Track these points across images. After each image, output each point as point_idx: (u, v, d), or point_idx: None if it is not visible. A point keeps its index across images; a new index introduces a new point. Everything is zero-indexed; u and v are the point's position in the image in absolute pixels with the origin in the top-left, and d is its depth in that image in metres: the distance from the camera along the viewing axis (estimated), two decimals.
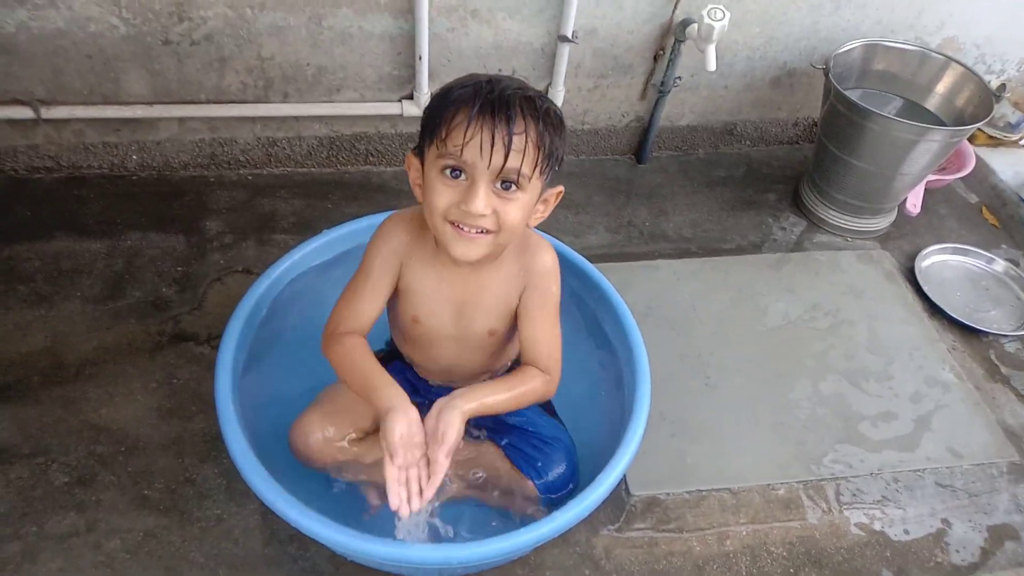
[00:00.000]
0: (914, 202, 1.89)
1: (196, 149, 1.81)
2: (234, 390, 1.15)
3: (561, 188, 1.04)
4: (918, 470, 1.43)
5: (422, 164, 0.97)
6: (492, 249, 0.99)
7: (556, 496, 1.15)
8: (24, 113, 1.63)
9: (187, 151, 1.81)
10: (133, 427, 1.35)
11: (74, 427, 1.34)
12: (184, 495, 1.27)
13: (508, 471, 1.17)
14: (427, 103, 0.97)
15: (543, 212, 1.04)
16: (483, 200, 0.91)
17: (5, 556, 1.17)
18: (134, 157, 1.79)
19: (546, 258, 1.10)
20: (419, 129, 0.97)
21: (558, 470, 1.15)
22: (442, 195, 0.93)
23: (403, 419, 0.94)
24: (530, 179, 0.92)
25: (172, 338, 1.50)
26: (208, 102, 1.71)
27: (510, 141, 0.87)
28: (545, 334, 1.11)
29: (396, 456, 0.93)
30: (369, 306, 1.09)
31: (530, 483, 1.15)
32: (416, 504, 0.94)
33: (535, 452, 1.17)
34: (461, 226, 0.94)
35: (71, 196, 1.76)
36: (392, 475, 0.93)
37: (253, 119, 1.77)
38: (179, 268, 1.64)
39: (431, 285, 1.09)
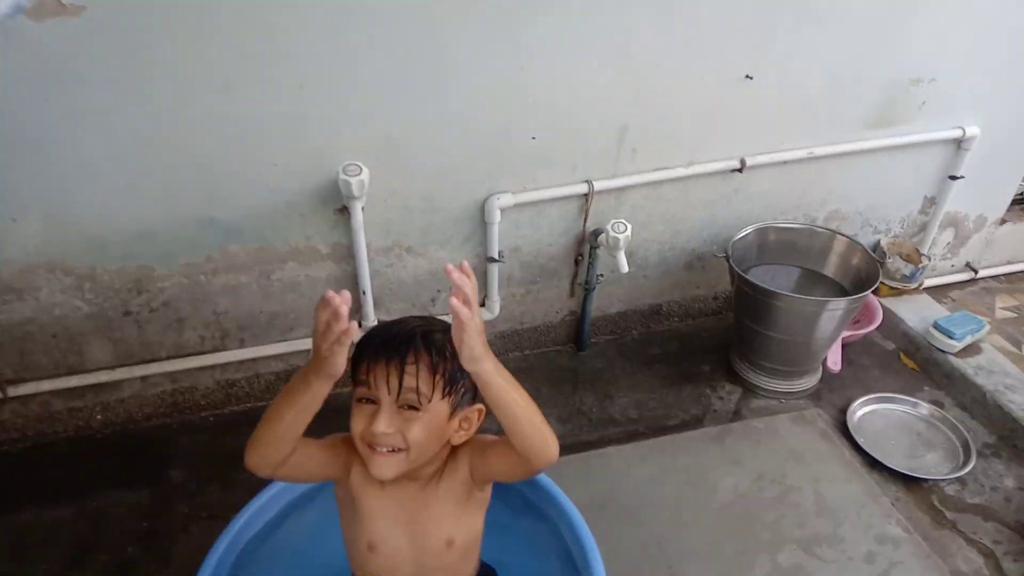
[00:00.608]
0: (834, 359, 2.04)
1: (158, 400, 1.90)
2: None
3: (482, 407, 1.12)
4: None
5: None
6: (406, 466, 1.08)
7: None
8: None
9: (150, 403, 1.90)
10: None
11: None
12: None
13: None
14: (355, 341, 1.09)
15: (467, 430, 1.13)
16: (385, 420, 1.03)
17: None
18: (99, 417, 1.87)
19: (467, 445, 1.16)
20: None
21: None
22: (358, 421, 1.07)
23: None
24: (430, 399, 1.05)
25: None
26: (168, 358, 1.82)
27: (403, 369, 1.03)
28: (506, 445, 1.10)
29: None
30: (308, 449, 1.13)
31: None
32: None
33: None
34: (374, 446, 1.06)
35: (36, 464, 1.81)
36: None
37: (212, 366, 1.88)
38: (144, 523, 1.67)
39: (380, 503, 1.16)
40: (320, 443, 1.17)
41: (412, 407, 1.05)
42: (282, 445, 1.07)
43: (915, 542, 1.63)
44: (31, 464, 1.81)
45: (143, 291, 1.70)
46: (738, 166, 1.98)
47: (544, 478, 1.44)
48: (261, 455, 1.07)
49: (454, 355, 1.04)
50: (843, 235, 2.03)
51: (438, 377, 1.05)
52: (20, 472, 1.79)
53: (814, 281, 2.06)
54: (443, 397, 1.06)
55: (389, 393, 1.03)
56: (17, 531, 1.64)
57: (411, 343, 1.04)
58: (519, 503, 1.48)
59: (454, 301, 0.94)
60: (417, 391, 1.03)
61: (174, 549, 1.61)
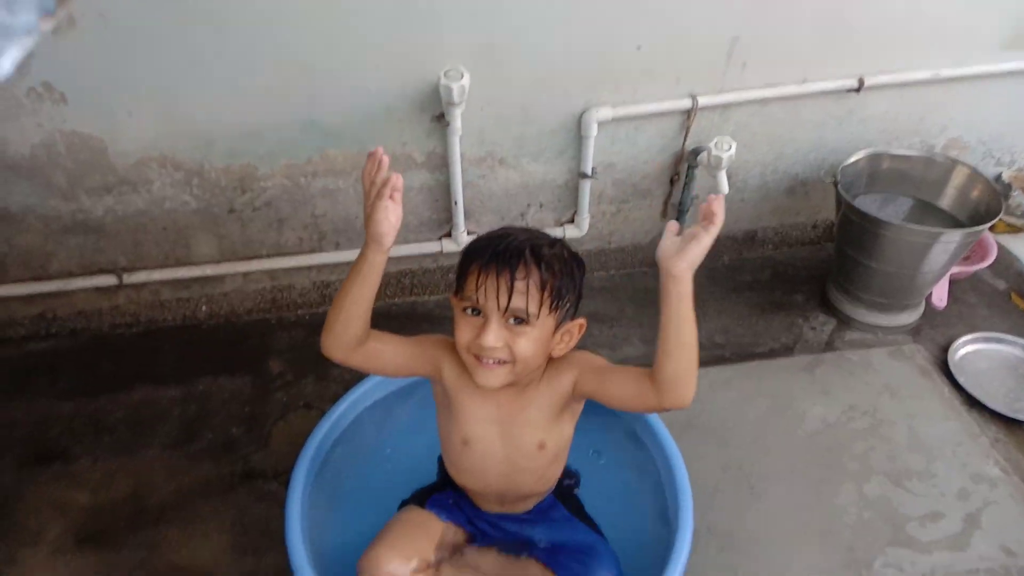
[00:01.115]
0: (940, 296, 1.95)
1: (258, 296, 1.99)
2: (303, 529, 1.25)
3: (583, 321, 1.15)
4: (972, 570, 1.43)
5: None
6: (512, 378, 1.11)
7: None
8: (109, 281, 1.83)
9: (250, 299, 1.99)
10: (211, 566, 1.45)
11: (159, 569, 1.45)
12: None
13: None
14: (462, 249, 1.13)
15: (567, 343, 1.16)
16: (494, 334, 1.05)
17: None
18: (203, 308, 1.98)
19: (581, 354, 1.20)
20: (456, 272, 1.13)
21: None
22: (464, 331, 1.09)
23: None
24: (538, 315, 1.06)
25: (242, 477, 1.62)
26: (269, 256, 1.90)
27: (512, 284, 1.03)
28: (626, 375, 1.14)
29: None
30: (394, 343, 1.20)
31: None
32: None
33: (580, 567, 1.23)
34: (480, 358, 1.08)
35: (148, 348, 1.94)
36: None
37: (309, 267, 1.95)
38: (246, 408, 1.77)
39: (476, 403, 1.20)
40: (404, 339, 1.21)
41: (520, 321, 1.06)
42: (350, 326, 1.10)
43: (1014, 483, 1.57)
44: (143, 348, 1.94)
45: (247, 190, 1.76)
46: (855, 86, 1.85)
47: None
48: (332, 337, 1.11)
49: (562, 270, 1.06)
50: (965, 164, 1.89)
51: (547, 293, 1.05)
52: (133, 355, 1.92)
53: (927, 213, 1.94)
54: (550, 312, 1.07)
55: (498, 308, 1.04)
56: (132, 407, 1.77)
57: (521, 257, 1.04)
58: (608, 415, 1.49)
59: (715, 204, 0.99)
60: (526, 308, 1.04)
61: (273, 432, 1.71)
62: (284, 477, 1.60)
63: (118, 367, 1.88)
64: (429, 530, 1.28)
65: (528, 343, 1.07)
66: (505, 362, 1.08)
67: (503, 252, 1.04)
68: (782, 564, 1.44)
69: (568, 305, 1.10)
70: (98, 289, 1.86)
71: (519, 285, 1.03)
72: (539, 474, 1.27)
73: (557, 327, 1.11)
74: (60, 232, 1.74)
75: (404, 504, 1.37)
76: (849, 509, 1.53)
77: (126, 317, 1.96)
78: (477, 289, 1.04)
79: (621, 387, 1.13)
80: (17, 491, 1.59)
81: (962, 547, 1.47)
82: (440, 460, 1.40)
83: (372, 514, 1.40)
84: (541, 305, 1.05)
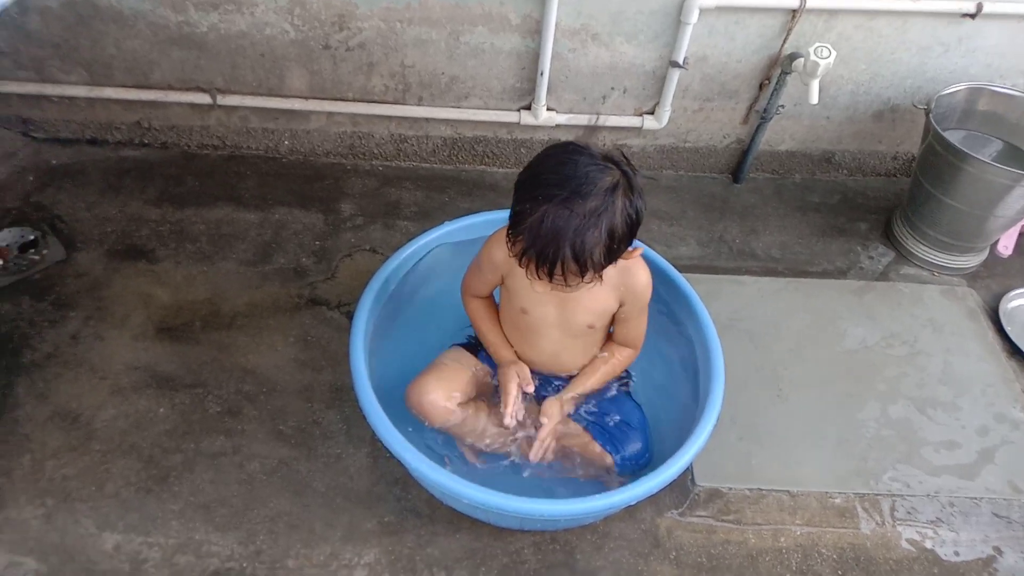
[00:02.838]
0: (1007, 244, 1.93)
1: (338, 140, 2.06)
2: (365, 350, 1.36)
3: (640, 248, 1.21)
4: (975, 498, 1.50)
5: None
6: None
7: (630, 470, 1.32)
8: (203, 99, 1.92)
9: (331, 141, 2.06)
10: (273, 373, 1.60)
11: (226, 367, 1.60)
12: (311, 434, 1.50)
13: (590, 445, 1.34)
14: (533, 159, 1.13)
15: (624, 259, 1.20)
16: (540, 286, 1.14)
17: (169, 464, 1.43)
18: (286, 142, 2.06)
19: (643, 278, 1.28)
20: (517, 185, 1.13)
21: (634, 447, 1.32)
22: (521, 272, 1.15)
23: (515, 367, 1.36)
24: (580, 283, 1.11)
25: (308, 302, 1.74)
26: (354, 100, 1.95)
27: (551, 278, 1.08)
28: (640, 326, 1.36)
29: (511, 389, 1.32)
30: (485, 287, 1.39)
31: (609, 457, 1.31)
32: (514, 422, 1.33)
33: (615, 431, 1.34)
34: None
35: (232, 172, 2.05)
36: (511, 396, 1.32)
37: (390, 118, 2.00)
38: (317, 242, 1.88)
39: (534, 292, 1.27)
40: (484, 280, 1.37)
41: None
42: None
43: None
44: (227, 171, 2.05)
45: (344, 27, 1.79)
46: (972, 11, 1.77)
47: (687, 288, 1.50)
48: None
49: (605, 247, 1.07)
50: None
51: (589, 276, 1.10)
52: (217, 176, 2.03)
53: (1014, 159, 1.89)
54: (594, 275, 1.12)
55: (539, 279, 1.10)
56: (214, 223, 1.90)
57: (559, 256, 1.04)
58: (660, 304, 1.56)
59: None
60: (566, 286, 1.11)
61: (340, 268, 1.83)
62: (346, 308, 1.73)
63: (203, 184, 2.00)
64: (474, 371, 1.39)
65: (573, 290, 1.15)
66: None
67: (542, 248, 1.04)
68: (794, 460, 1.53)
69: (617, 257, 1.13)
70: (192, 106, 1.95)
71: (557, 279, 1.08)
72: (587, 348, 1.38)
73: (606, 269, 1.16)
74: (166, 42, 1.81)
75: (453, 347, 1.48)
76: (869, 424, 1.61)
77: (214, 139, 2.05)
78: (527, 268, 1.09)
79: (617, 329, 1.38)
80: (107, 279, 1.74)
81: (970, 476, 1.54)
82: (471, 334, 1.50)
83: (423, 352, 1.52)
84: (584, 281, 1.10)
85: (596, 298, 1.27)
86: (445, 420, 1.32)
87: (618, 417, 1.36)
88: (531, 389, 1.34)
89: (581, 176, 1.04)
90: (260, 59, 1.85)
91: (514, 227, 1.09)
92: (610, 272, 1.18)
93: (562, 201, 1.03)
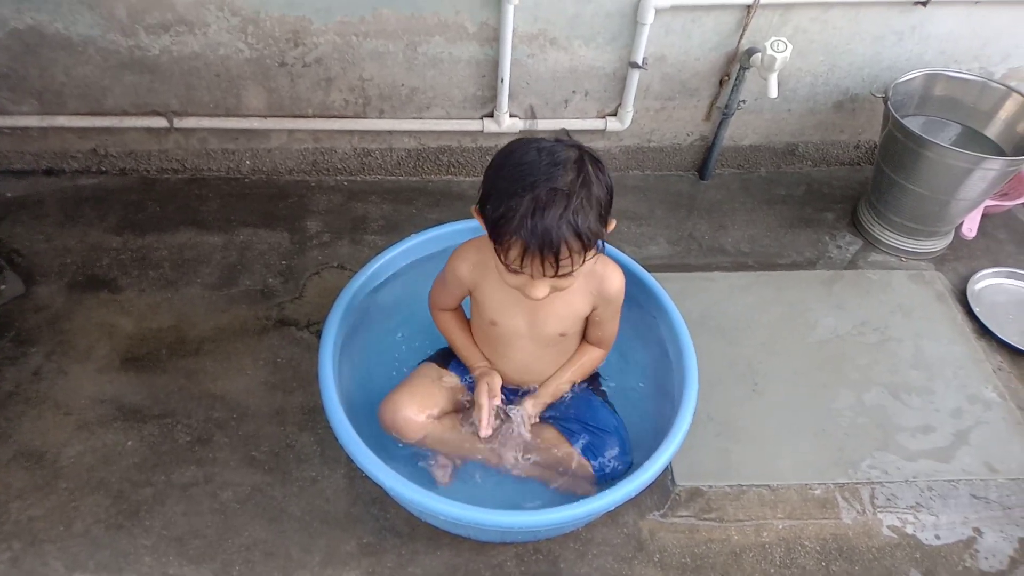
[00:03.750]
0: (970, 226, 1.95)
1: (301, 157, 2.04)
2: (334, 369, 1.34)
3: (614, 223, 1.17)
4: (953, 480, 1.51)
5: (483, 218, 1.12)
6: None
7: (610, 475, 1.31)
8: (160, 123, 1.89)
9: (293, 158, 2.04)
10: (243, 398, 1.57)
11: (195, 394, 1.57)
12: (285, 458, 1.47)
13: (568, 453, 1.32)
14: (489, 169, 1.11)
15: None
16: (542, 290, 1.12)
17: (140, 498, 1.40)
18: (247, 162, 2.04)
19: (616, 282, 1.28)
20: (481, 185, 1.12)
21: (612, 452, 1.31)
22: (509, 278, 1.13)
23: (486, 379, 1.34)
24: (581, 266, 1.10)
25: (277, 323, 1.72)
26: (314, 116, 1.93)
27: (558, 265, 1.05)
28: (612, 329, 1.38)
29: (483, 402, 1.30)
30: (450, 301, 1.38)
31: (588, 463, 1.30)
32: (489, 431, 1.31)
33: (592, 438, 1.33)
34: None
35: (193, 195, 2.02)
36: (484, 409, 1.30)
37: (352, 132, 1.98)
38: (283, 262, 1.86)
39: (505, 298, 1.27)
40: (451, 294, 1.37)
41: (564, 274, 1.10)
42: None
43: (1008, 409, 1.63)
44: (188, 194, 2.02)
45: (299, 43, 1.77)
46: None
47: (658, 288, 1.50)
48: None
49: (596, 215, 1.06)
50: (1020, 94, 1.85)
51: (589, 254, 1.08)
52: (178, 199, 2.00)
53: (973, 141, 1.92)
54: (593, 252, 1.11)
55: (544, 275, 1.08)
56: (177, 248, 1.86)
57: (562, 237, 1.02)
58: (631, 305, 1.55)
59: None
60: (571, 271, 1.09)
61: (307, 286, 1.80)
62: (316, 327, 1.70)
63: (164, 209, 1.97)
64: (446, 386, 1.38)
65: (572, 281, 1.13)
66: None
67: (544, 236, 1.02)
68: (772, 454, 1.53)
69: (606, 227, 1.12)
70: (149, 130, 1.92)
71: (564, 263, 1.06)
72: (558, 358, 1.38)
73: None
74: (117, 67, 1.78)
75: (424, 362, 1.46)
76: (845, 413, 1.61)
77: (173, 163, 2.02)
78: (522, 264, 1.06)
79: (590, 331, 1.38)
80: (68, 312, 1.70)
81: (947, 459, 1.55)
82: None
83: (394, 368, 1.50)
84: (584, 258, 1.09)
85: (568, 303, 1.27)
86: (420, 435, 1.31)
87: (593, 424, 1.34)
88: (497, 401, 1.32)
89: (546, 161, 1.05)
90: (216, 79, 1.83)
91: (501, 235, 1.06)
92: (582, 277, 1.18)
93: (541, 188, 1.03)
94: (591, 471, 1.30)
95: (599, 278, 1.26)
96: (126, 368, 1.61)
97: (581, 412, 1.37)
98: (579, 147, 1.09)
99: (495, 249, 1.09)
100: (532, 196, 1.02)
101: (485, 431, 1.29)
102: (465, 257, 1.29)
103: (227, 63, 1.80)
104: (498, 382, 1.34)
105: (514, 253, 1.05)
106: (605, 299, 1.29)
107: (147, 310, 1.72)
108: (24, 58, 1.75)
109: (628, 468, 1.32)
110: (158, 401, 1.55)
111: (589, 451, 1.31)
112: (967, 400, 1.65)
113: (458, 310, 1.43)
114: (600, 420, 1.36)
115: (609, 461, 1.30)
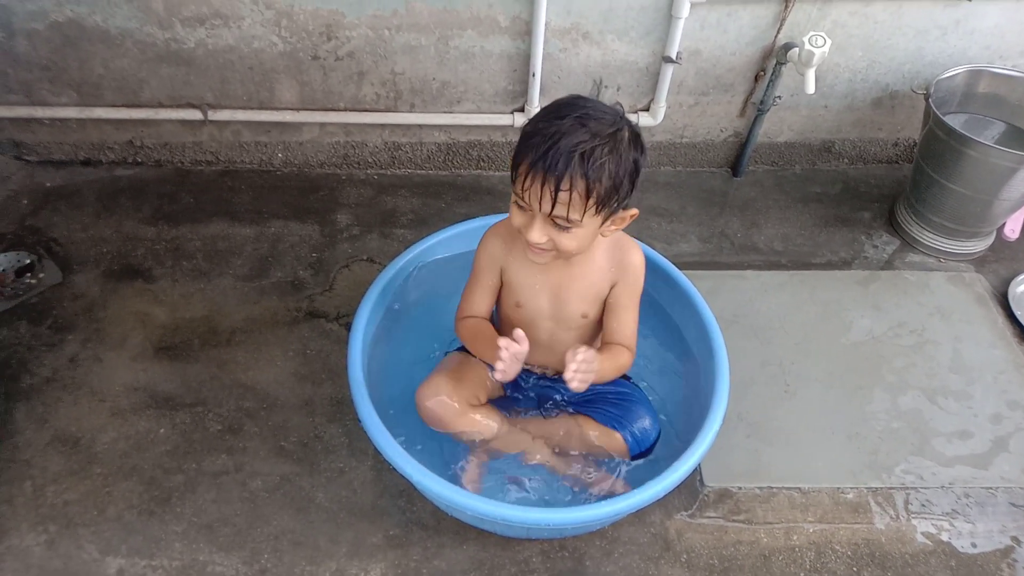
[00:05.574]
0: (1013, 227, 1.90)
1: (332, 150, 2.05)
2: (363, 362, 1.35)
3: (635, 211, 1.17)
4: (991, 488, 1.47)
5: None
6: (557, 258, 1.17)
7: (642, 447, 1.32)
8: (194, 115, 1.91)
9: (324, 151, 2.05)
10: (273, 388, 1.58)
11: (226, 384, 1.59)
12: (314, 449, 1.49)
13: (597, 429, 1.33)
14: (522, 126, 1.14)
15: (616, 228, 1.18)
16: (537, 232, 1.10)
17: (171, 485, 1.42)
18: (279, 155, 2.05)
19: (636, 258, 1.27)
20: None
21: (641, 423, 1.31)
22: (515, 217, 1.14)
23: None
24: (581, 220, 1.07)
25: (307, 315, 1.73)
26: (346, 109, 1.94)
27: (556, 195, 1.03)
28: (630, 321, 1.31)
29: (504, 342, 1.13)
30: (483, 300, 1.34)
31: (618, 435, 1.31)
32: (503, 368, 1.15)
33: (618, 410, 1.34)
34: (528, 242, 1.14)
35: (226, 187, 2.04)
36: (504, 349, 1.13)
37: (383, 126, 1.99)
38: (313, 254, 1.87)
39: (530, 276, 1.27)
40: (485, 288, 1.32)
41: (563, 221, 1.08)
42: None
43: None
44: (221, 186, 2.04)
45: (332, 37, 1.78)
46: None
47: (688, 285, 1.48)
48: None
49: (615, 173, 1.05)
50: None
51: (592, 201, 1.05)
52: (211, 191, 2.02)
53: (1017, 140, 1.86)
54: (596, 214, 1.09)
55: (541, 210, 1.07)
56: (210, 239, 1.89)
57: (568, 167, 1.01)
58: (653, 295, 1.54)
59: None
60: (567, 216, 1.06)
61: (337, 279, 1.81)
62: (345, 319, 1.71)
63: (197, 201, 1.99)
64: (480, 374, 1.37)
65: (571, 240, 1.11)
66: (548, 250, 1.14)
67: (552, 157, 1.01)
68: (805, 456, 1.51)
69: (617, 204, 1.11)
70: (184, 122, 1.94)
71: (562, 197, 1.03)
72: (581, 335, 1.35)
73: (608, 218, 1.13)
74: (154, 60, 1.80)
75: (451, 352, 1.45)
76: (880, 417, 1.58)
77: (207, 155, 2.04)
78: (524, 190, 1.06)
79: (607, 321, 1.31)
80: (104, 301, 1.73)
81: (984, 466, 1.51)
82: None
83: (423, 362, 1.50)
84: (585, 212, 1.06)
85: (591, 283, 1.26)
86: (452, 421, 1.29)
87: (618, 394, 1.35)
88: (526, 346, 1.15)
89: (591, 107, 1.06)
90: (249, 72, 1.84)
91: (517, 153, 1.06)
92: (602, 248, 1.21)
93: (574, 119, 1.03)
94: (623, 443, 1.31)
95: (621, 250, 1.26)
96: (159, 357, 1.63)
97: (602, 390, 1.38)
98: (627, 119, 1.09)
99: (511, 176, 1.10)
100: (559, 125, 1.03)
101: (500, 373, 1.15)
102: (495, 232, 1.30)
103: (261, 56, 1.81)
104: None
105: (522, 170, 1.05)
106: (624, 273, 1.26)
107: (180, 300, 1.75)
108: (64, 50, 1.78)
109: (658, 439, 1.33)
110: (190, 390, 1.57)
111: (617, 423, 1.32)
112: (1007, 406, 1.60)
113: (485, 319, 1.37)
114: (623, 393, 1.37)
115: (639, 430, 1.31)
